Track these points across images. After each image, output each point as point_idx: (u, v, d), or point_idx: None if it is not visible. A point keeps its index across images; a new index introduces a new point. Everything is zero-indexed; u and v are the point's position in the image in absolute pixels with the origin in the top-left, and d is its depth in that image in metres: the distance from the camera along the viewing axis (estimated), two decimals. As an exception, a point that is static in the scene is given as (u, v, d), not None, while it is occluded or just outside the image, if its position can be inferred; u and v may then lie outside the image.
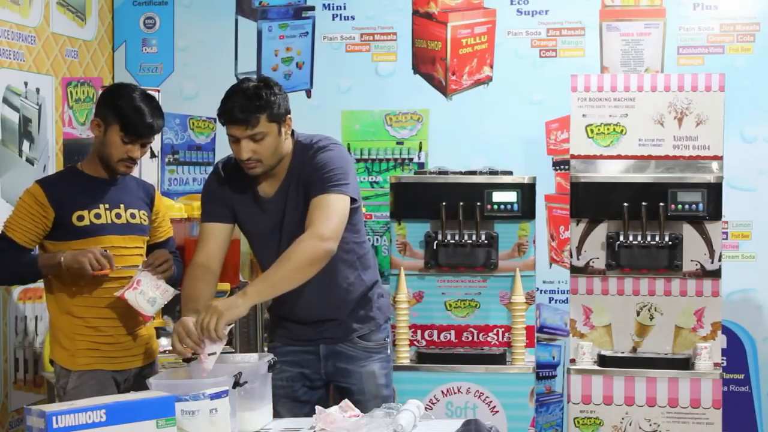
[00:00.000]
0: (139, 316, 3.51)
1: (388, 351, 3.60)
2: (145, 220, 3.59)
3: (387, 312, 3.63)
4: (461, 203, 4.36)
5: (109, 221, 3.49)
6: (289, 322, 3.53)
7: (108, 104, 3.47)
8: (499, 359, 4.37)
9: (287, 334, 3.53)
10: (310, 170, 3.33)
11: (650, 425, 4.33)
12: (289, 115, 3.34)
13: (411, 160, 5.25)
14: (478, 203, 4.37)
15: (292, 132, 3.43)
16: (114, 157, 3.46)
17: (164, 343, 4.10)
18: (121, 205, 3.53)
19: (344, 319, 3.49)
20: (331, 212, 3.23)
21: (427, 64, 5.29)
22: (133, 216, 3.54)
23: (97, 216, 3.47)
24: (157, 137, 4.56)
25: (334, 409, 3.05)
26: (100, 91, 3.99)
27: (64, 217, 3.44)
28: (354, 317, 3.50)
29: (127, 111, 3.42)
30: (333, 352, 3.48)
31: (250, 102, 3.23)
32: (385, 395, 3.50)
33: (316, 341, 3.49)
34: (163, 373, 3.18)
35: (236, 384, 2.95)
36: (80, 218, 3.45)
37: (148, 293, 3.44)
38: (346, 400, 3.15)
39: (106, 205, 3.50)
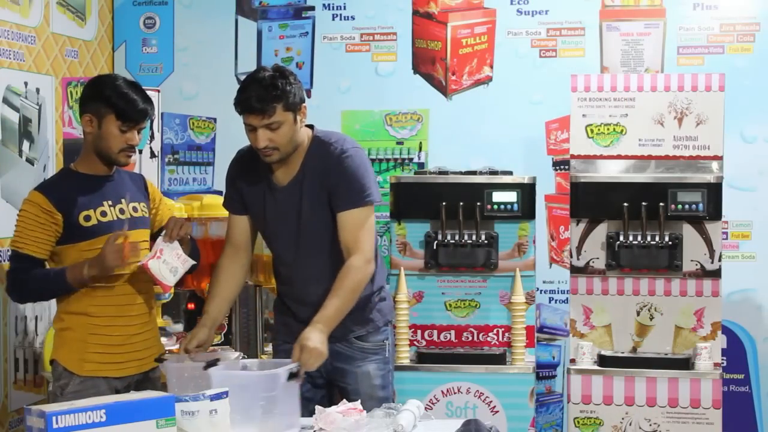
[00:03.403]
0: (157, 287, 3.47)
1: (387, 353, 3.61)
2: (146, 212, 3.58)
3: (388, 315, 3.64)
4: (461, 203, 4.36)
5: (115, 217, 3.47)
6: (289, 318, 3.55)
7: (96, 97, 3.43)
8: (499, 359, 4.37)
9: (288, 332, 3.56)
10: (336, 176, 3.41)
11: (650, 425, 4.33)
12: (303, 104, 3.41)
13: (411, 160, 5.25)
14: (478, 203, 4.37)
15: (312, 126, 3.51)
16: (114, 148, 3.42)
17: (165, 341, 4.10)
18: (123, 200, 3.51)
19: (343, 319, 3.50)
20: (367, 231, 3.43)
21: (427, 64, 5.29)
22: (135, 209, 3.53)
23: (103, 214, 3.45)
24: (157, 137, 4.57)
25: (333, 409, 3.05)
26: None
27: (71, 219, 3.41)
28: (352, 318, 3.51)
29: (118, 99, 3.39)
30: (330, 351, 3.49)
31: (267, 92, 3.30)
32: (381, 396, 3.49)
33: None
34: (223, 365, 3.19)
35: (292, 376, 3.03)
36: (87, 218, 3.42)
37: (170, 262, 3.40)
38: (344, 400, 3.15)
39: (109, 202, 3.47)
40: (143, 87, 3.55)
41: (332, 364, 3.51)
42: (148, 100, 3.47)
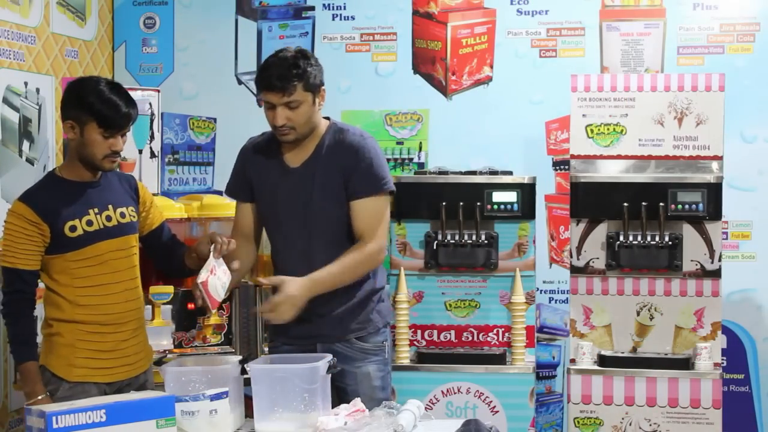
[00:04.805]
0: (207, 305, 3.39)
1: (386, 354, 3.61)
2: (134, 217, 3.52)
3: (387, 317, 3.65)
4: (461, 203, 4.36)
5: (101, 226, 3.40)
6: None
7: (77, 103, 3.35)
8: (499, 359, 4.37)
9: (286, 332, 3.55)
10: (354, 163, 3.45)
11: (650, 425, 4.33)
12: (323, 87, 3.49)
13: (411, 160, 5.25)
14: (478, 203, 4.37)
15: (328, 117, 3.55)
16: (98, 155, 3.35)
17: (165, 344, 4.10)
18: (110, 206, 3.44)
19: (342, 317, 3.51)
20: (384, 220, 3.50)
21: (427, 64, 5.29)
22: (123, 215, 3.46)
23: (89, 223, 3.38)
24: (157, 137, 4.57)
25: (340, 412, 3.06)
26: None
27: (56, 229, 3.34)
28: (352, 318, 3.52)
29: (100, 106, 3.31)
30: (329, 351, 3.50)
31: (288, 70, 3.36)
32: (381, 398, 3.49)
33: (313, 338, 3.51)
34: (261, 358, 3.21)
35: (330, 369, 3.08)
36: (72, 228, 3.35)
37: (221, 278, 3.37)
38: (345, 404, 3.15)
39: (95, 210, 3.40)
40: (143, 87, 3.53)
41: None
42: (131, 104, 3.38)
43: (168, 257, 3.66)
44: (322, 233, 3.47)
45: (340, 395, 3.44)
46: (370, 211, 3.46)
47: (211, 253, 3.34)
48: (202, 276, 3.30)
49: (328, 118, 3.56)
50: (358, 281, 3.52)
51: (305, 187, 3.46)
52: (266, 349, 4.18)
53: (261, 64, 3.44)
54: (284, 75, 3.34)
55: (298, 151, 3.49)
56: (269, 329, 3.79)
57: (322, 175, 3.45)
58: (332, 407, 3.12)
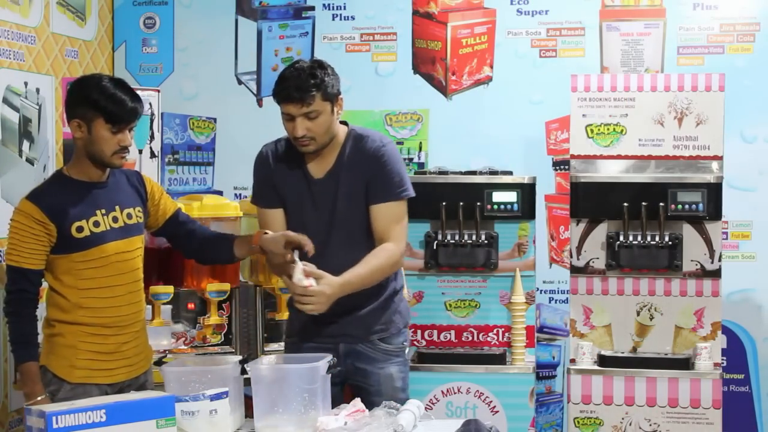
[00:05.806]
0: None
1: (406, 355, 3.63)
2: (140, 218, 3.51)
3: (407, 317, 3.67)
4: (461, 203, 4.36)
5: (108, 227, 3.39)
6: (306, 316, 3.52)
7: (82, 101, 3.33)
8: (499, 359, 4.37)
9: (306, 330, 3.54)
10: (374, 169, 3.47)
11: (650, 425, 4.33)
12: (341, 96, 3.48)
13: (411, 160, 5.25)
14: (478, 203, 4.37)
15: (346, 123, 3.56)
16: (107, 152, 3.34)
17: (165, 344, 4.10)
18: (117, 207, 3.43)
19: (366, 317, 3.51)
20: (404, 225, 3.53)
21: (427, 64, 5.29)
22: (129, 216, 3.45)
23: (96, 224, 3.36)
24: (157, 137, 4.57)
25: (341, 413, 3.06)
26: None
27: (63, 229, 3.32)
28: (375, 318, 3.53)
29: (105, 102, 3.30)
30: (352, 351, 3.51)
31: (306, 81, 3.38)
32: (402, 398, 3.48)
33: (336, 338, 3.51)
34: (261, 358, 3.20)
35: (330, 369, 3.07)
36: (80, 229, 3.33)
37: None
38: (345, 404, 3.15)
39: (102, 210, 3.38)
40: (143, 87, 3.52)
41: (353, 365, 3.52)
42: (136, 98, 3.38)
43: (203, 243, 3.64)
44: (345, 236, 3.49)
45: (362, 396, 3.40)
46: (390, 215, 3.48)
47: (297, 258, 3.33)
48: (305, 281, 3.31)
49: (345, 123, 3.56)
50: (383, 282, 3.54)
51: (330, 196, 3.48)
52: (267, 348, 4.19)
53: (277, 77, 3.43)
54: (302, 86, 3.36)
55: (321, 161, 3.50)
56: (287, 325, 3.76)
57: (345, 185, 3.47)
58: (333, 407, 3.12)
